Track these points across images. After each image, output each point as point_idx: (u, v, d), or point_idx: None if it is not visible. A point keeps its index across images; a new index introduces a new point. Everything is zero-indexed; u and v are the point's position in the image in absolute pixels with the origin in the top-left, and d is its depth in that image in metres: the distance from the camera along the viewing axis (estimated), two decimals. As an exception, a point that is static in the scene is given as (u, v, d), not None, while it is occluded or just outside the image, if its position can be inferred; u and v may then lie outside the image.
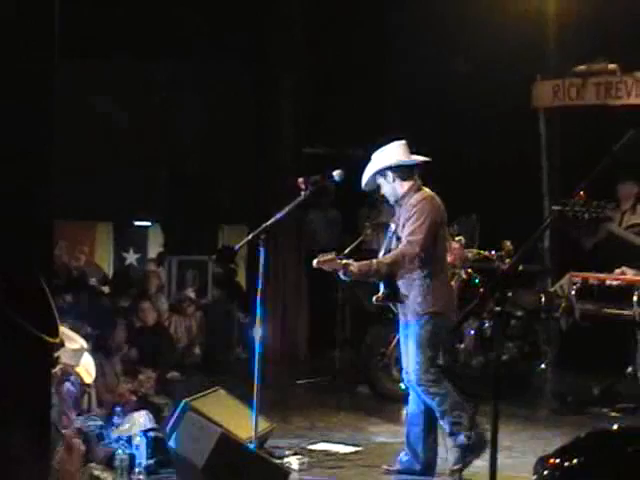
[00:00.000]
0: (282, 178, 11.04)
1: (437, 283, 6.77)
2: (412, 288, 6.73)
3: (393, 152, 6.90)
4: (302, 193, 6.72)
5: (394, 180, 6.87)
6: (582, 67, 10.54)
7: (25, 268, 4.08)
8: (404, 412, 7.04)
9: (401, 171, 6.86)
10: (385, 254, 6.82)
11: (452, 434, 6.77)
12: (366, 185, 6.99)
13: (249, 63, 12.24)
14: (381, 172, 6.87)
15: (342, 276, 6.79)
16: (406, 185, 6.87)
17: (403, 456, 6.99)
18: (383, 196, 7.05)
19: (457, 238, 9.80)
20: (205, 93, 12.70)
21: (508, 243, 9.47)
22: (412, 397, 6.95)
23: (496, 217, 9.85)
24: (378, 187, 6.98)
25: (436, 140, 11.32)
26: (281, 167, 11.61)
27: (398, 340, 9.34)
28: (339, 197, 6.93)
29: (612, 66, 10.35)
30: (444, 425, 6.79)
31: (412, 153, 6.96)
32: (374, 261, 6.72)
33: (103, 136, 12.35)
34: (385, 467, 7.02)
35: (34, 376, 4.22)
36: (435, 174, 11.05)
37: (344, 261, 6.75)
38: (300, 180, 6.76)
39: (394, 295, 6.78)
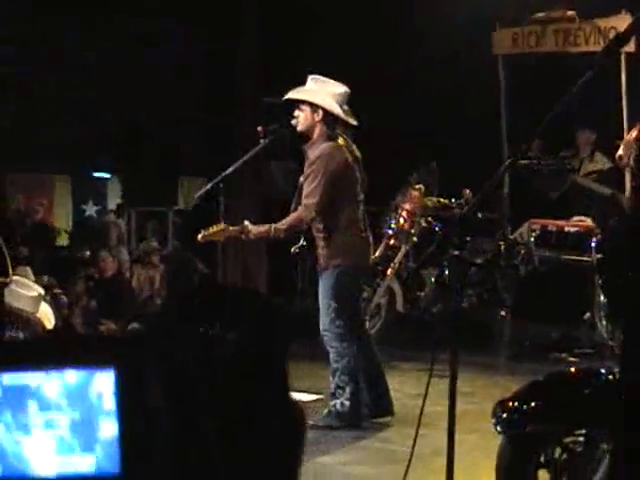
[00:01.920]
0: (241, 128, 11.00)
1: (344, 238, 6.74)
2: (320, 242, 6.75)
3: (338, 95, 6.72)
4: (261, 141, 6.69)
5: (319, 120, 6.69)
6: (540, 14, 10.52)
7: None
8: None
9: (332, 119, 6.71)
10: (294, 208, 6.76)
11: (332, 395, 6.87)
12: (287, 100, 6.76)
13: (206, 12, 12.13)
14: (315, 105, 6.70)
15: (244, 238, 6.77)
16: (322, 131, 6.71)
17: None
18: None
19: (417, 186, 9.83)
20: (162, 45, 12.58)
21: (468, 191, 9.49)
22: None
23: (456, 165, 9.87)
24: (289, 106, 6.82)
25: (398, 89, 11.34)
26: (240, 117, 11.56)
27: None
28: (298, 149, 6.92)
29: (570, 13, 10.33)
30: (331, 382, 6.86)
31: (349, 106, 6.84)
32: (272, 227, 6.65)
33: (62, 90, 12.22)
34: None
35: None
36: (395, 123, 11.15)
37: (244, 224, 6.69)
38: (259, 129, 6.73)
39: (309, 246, 6.82)
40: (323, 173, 6.60)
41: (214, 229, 6.64)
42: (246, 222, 6.74)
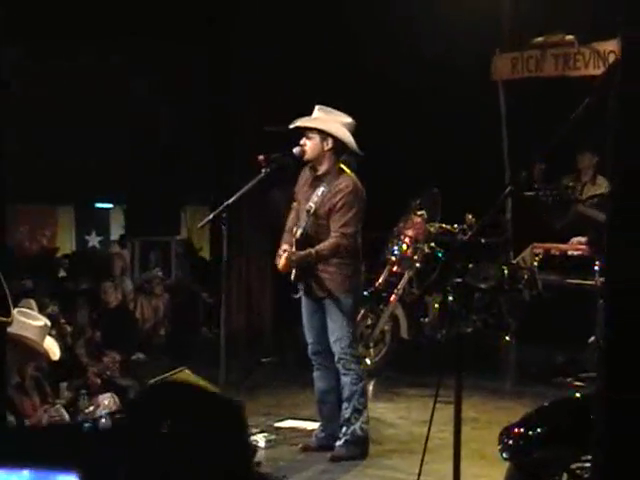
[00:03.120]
0: (243, 157, 11.02)
1: (357, 264, 6.90)
2: (331, 267, 6.76)
3: (346, 125, 6.80)
4: (263, 170, 6.71)
5: (329, 150, 6.76)
6: (540, 39, 10.57)
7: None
8: (315, 390, 7.08)
9: (341, 147, 6.78)
10: (303, 233, 6.80)
11: (347, 421, 6.83)
12: (294, 127, 6.80)
13: (207, 41, 12.18)
14: (324, 134, 6.76)
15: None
16: (333, 161, 6.79)
17: (319, 432, 7.06)
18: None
19: (419, 212, 9.84)
20: (163, 73, 12.62)
21: (470, 216, 9.50)
22: (320, 375, 7.02)
23: (459, 191, 9.87)
24: (295, 134, 6.86)
25: (403, 117, 11.35)
26: (242, 146, 11.58)
27: (362, 315, 9.44)
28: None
29: (569, 37, 10.37)
30: (344, 410, 6.83)
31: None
32: (312, 252, 6.71)
33: (63, 121, 12.25)
34: (302, 445, 7.07)
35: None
36: (398, 149, 11.16)
37: (287, 254, 6.75)
38: (261, 157, 6.75)
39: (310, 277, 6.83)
40: (359, 204, 6.77)
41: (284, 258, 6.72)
42: (286, 246, 6.81)
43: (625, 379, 1.64)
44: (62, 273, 11.70)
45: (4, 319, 3.96)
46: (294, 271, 6.81)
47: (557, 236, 10.23)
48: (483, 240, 9.69)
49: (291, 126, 6.85)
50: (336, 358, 6.82)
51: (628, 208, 1.77)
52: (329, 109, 6.84)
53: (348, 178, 6.80)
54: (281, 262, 6.74)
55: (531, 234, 10.32)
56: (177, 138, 12.38)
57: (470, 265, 3.54)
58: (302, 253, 6.72)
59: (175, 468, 2.04)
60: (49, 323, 6.53)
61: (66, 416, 6.26)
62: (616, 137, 1.76)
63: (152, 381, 6.82)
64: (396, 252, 9.75)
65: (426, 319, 10.02)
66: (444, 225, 9.82)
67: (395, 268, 9.75)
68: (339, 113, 6.85)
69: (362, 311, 9.33)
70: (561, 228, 10.09)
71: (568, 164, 10.66)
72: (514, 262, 10.34)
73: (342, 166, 6.83)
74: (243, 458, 2.10)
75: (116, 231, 13.63)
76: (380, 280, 9.72)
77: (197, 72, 12.64)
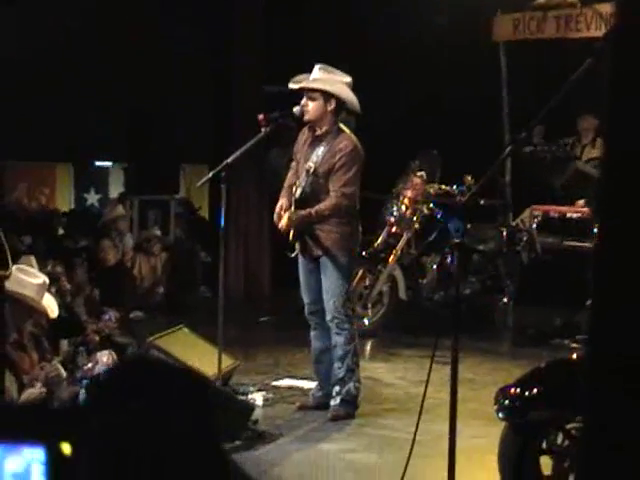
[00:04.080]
0: (242, 116, 10.99)
1: (355, 224, 6.88)
2: (328, 226, 6.75)
3: (347, 84, 6.77)
4: (262, 130, 6.69)
5: (331, 109, 6.71)
6: (541, 0, 10.50)
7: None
8: (312, 350, 7.11)
9: (340, 107, 6.74)
10: (302, 192, 6.80)
11: (341, 380, 6.85)
12: (297, 86, 6.74)
13: (210, 3, 12.13)
14: (328, 95, 6.72)
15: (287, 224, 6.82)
16: (333, 121, 6.75)
17: (316, 391, 7.09)
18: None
19: (419, 173, 9.82)
20: (164, 31, 12.56)
21: (469, 177, 9.48)
22: (316, 334, 7.03)
23: (457, 151, 9.86)
24: (295, 94, 6.81)
25: (399, 76, 11.32)
26: (241, 105, 11.55)
27: (361, 276, 9.47)
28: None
29: (572, -1, 10.32)
30: (337, 369, 6.85)
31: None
32: (312, 212, 6.69)
33: (63, 78, 12.21)
34: (298, 404, 7.11)
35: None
36: (396, 110, 11.14)
37: (288, 214, 6.74)
38: (260, 117, 6.72)
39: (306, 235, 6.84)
40: (358, 163, 6.74)
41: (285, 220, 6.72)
42: (285, 202, 6.81)
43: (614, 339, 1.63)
44: (61, 231, 11.69)
45: (2, 272, 3.96)
46: (292, 230, 6.81)
47: (556, 198, 10.23)
48: (482, 202, 9.68)
49: (294, 87, 6.81)
50: (329, 317, 6.83)
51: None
52: (330, 68, 6.79)
53: (348, 137, 6.77)
54: (283, 222, 6.73)
55: (531, 196, 10.32)
56: (176, 97, 12.33)
57: (469, 226, 3.55)
58: (302, 213, 6.72)
59: (137, 448, 2.04)
60: (48, 280, 6.54)
61: (63, 372, 6.29)
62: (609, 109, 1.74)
63: (150, 338, 6.88)
64: (395, 213, 9.74)
65: (424, 280, 10.04)
66: (443, 186, 9.81)
67: (394, 229, 9.75)
68: (339, 72, 6.80)
69: (360, 272, 9.35)
70: (560, 186, 10.09)
71: (569, 127, 10.64)
72: (513, 224, 10.35)
73: (341, 125, 6.80)
74: (207, 438, 2.10)
75: (115, 190, 13.61)
76: (379, 241, 9.72)
77: (196, 31, 12.58)
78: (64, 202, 13.43)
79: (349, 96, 6.74)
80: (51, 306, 6.42)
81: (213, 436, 2.09)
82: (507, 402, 4.19)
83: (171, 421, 2.03)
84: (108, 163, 13.83)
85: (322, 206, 6.69)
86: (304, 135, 6.96)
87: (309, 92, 6.74)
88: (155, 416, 2.02)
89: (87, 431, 2.02)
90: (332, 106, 6.72)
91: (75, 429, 2.03)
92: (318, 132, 6.80)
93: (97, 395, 2.17)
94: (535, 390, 4.14)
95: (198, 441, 2.04)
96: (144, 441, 2.00)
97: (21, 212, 11.75)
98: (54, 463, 2.05)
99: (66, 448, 2.03)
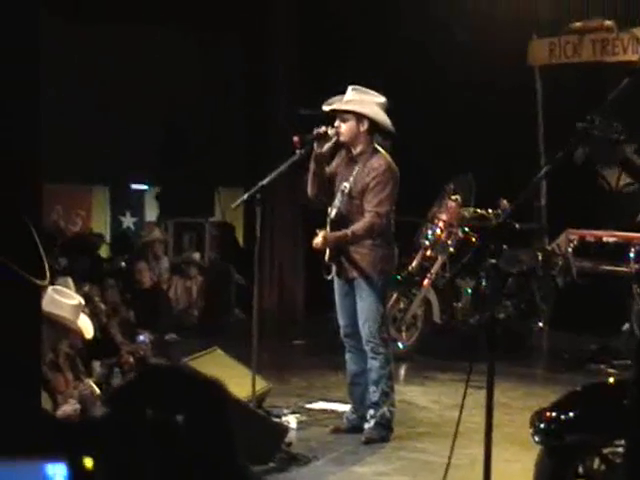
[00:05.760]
0: (277, 139, 11.02)
1: (389, 246, 6.87)
2: (363, 249, 6.74)
3: (381, 105, 6.78)
4: (297, 151, 6.70)
5: (364, 130, 6.73)
6: (578, 24, 10.49)
7: (11, 209, 4.04)
8: (347, 372, 7.09)
9: (375, 128, 6.75)
10: (338, 213, 6.79)
11: (376, 404, 6.81)
12: (329, 108, 6.77)
13: (244, 25, 12.20)
14: (360, 116, 6.73)
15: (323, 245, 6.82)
16: (368, 141, 6.77)
17: (350, 414, 7.05)
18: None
19: (453, 197, 9.80)
20: (201, 56, 12.66)
21: (505, 201, 9.45)
22: (352, 357, 7.01)
23: (493, 175, 9.83)
24: (328, 118, 6.83)
25: (436, 102, 11.32)
26: (276, 128, 11.59)
27: (395, 299, 9.44)
28: (333, 157, 6.96)
29: (608, 23, 10.29)
30: (372, 393, 6.81)
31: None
32: (348, 233, 6.70)
33: (100, 100, 12.31)
34: (332, 427, 7.08)
35: (24, 321, 4.20)
36: (436, 133, 11.13)
37: (323, 233, 6.74)
38: (295, 139, 6.73)
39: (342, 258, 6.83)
40: (393, 183, 6.74)
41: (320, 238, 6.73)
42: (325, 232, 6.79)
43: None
44: (100, 253, 11.76)
45: (40, 282, 3.99)
46: (328, 252, 6.81)
47: (593, 223, 10.16)
48: (517, 225, 9.63)
49: (326, 109, 6.84)
50: (364, 341, 6.81)
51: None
52: (363, 89, 6.81)
53: (382, 157, 6.78)
54: (317, 240, 6.72)
55: (566, 220, 10.24)
56: (212, 120, 12.40)
57: (504, 247, 3.53)
58: (338, 234, 6.72)
59: (159, 455, 2.04)
60: (83, 301, 6.58)
61: (97, 390, 6.32)
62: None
63: (184, 360, 6.89)
64: (430, 236, 9.73)
65: (459, 304, 10.00)
66: (478, 210, 9.78)
67: (429, 252, 9.73)
68: (373, 93, 6.82)
69: (395, 295, 9.33)
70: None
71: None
72: (548, 248, 10.29)
73: (377, 146, 6.81)
74: (224, 444, 2.10)
75: (150, 213, 13.68)
76: (413, 264, 9.70)
77: (232, 54, 12.66)
78: (100, 225, 13.51)
79: (381, 116, 6.75)
80: (86, 327, 6.45)
81: (232, 446, 2.08)
82: (543, 425, 4.15)
83: (190, 431, 2.02)
84: (144, 186, 13.91)
85: (357, 226, 6.69)
86: (340, 156, 6.97)
87: (342, 114, 6.76)
88: (173, 427, 2.02)
89: (106, 444, 2.02)
90: (365, 127, 6.73)
91: (95, 443, 2.03)
92: (353, 153, 6.81)
93: (115, 407, 2.17)
94: (571, 414, 4.10)
95: (217, 451, 2.03)
96: (163, 453, 2.00)
97: (58, 234, 11.82)
98: (76, 478, 2.05)
99: (88, 462, 2.03)
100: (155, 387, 2.12)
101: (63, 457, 2.07)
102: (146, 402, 2.07)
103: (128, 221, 13.85)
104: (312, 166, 6.82)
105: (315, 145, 6.71)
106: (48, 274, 3.98)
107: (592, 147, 3.98)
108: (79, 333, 6.39)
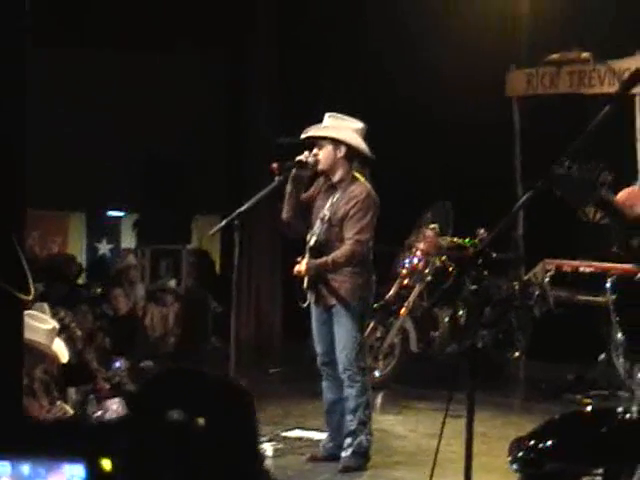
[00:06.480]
0: (256, 167, 11.02)
1: (368, 274, 6.87)
2: (340, 277, 6.74)
3: (358, 131, 6.81)
4: (276, 178, 6.70)
5: (342, 157, 6.75)
6: (555, 56, 10.56)
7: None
8: (323, 400, 7.07)
9: (353, 154, 6.77)
10: (317, 240, 6.79)
11: (353, 433, 6.79)
12: (307, 137, 6.82)
13: (223, 54, 12.22)
14: (336, 142, 6.75)
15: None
16: (347, 168, 6.78)
17: (327, 442, 7.02)
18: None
19: (431, 226, 9.83)
20: (180, 84, 12.66)
21: (482, 230, 9.47)
22: (329, 385, 7.00)
23: (470, 205, 9.86)
24: (306, 146, 6.83)
25: (411, 129, 11.35)
26: (255, 156, 11.59)
27: (372, 328, 9.42)
28: (311, 184, 6.98)
29: (585, 54, 10.37)
30: (349, 421, 6.80)
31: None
32: (329, 260, 6.69)
33: (78, 126, 12.29)
34: (309, 455, 7.05)
35: (5, 337, 4.21)
36: (409, 162, 11.15)
37: (306, 261, 6.73)
38: (274, 165, 6.74)
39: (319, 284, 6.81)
40: (373, 211, 6.77)
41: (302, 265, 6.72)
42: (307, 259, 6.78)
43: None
44: (76, 280, 11.70)
45: (25, 297, 4.01)
46: (306, 279, 6.80)
47: (570, 253, 10.18)
48: (494, 255, 9.66)
49: (303, 136, 6.85)
50: (341, 369, 6.79)
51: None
52: (340, 115, 6.84)
53: (362, 185, 6.78)
54: (300, 268, 6.71)
55: (543, 250, 10.27)
56: (190, 148, 12.39)
57: (485, 274, 3.53)
58: (319, 261, 6.71)
59: (178, 458, 2.02)
60: (58, 326, 6.54)
61: (70, 410, 6.27)
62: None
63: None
64: (407, 265, 9.74)
65: (436, 333, 10.00)
66: (455, 239, 9.80)
67: (406, 281, 9.74)
68: (350, 119, 6.85)
69: (372, 324, 9.31)
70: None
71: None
72: (525, 278, 10.31)
73: (356, 174, 6.81)
74: (252, 449, 2.09)
75: (126, 239, 13.62)
76: (390, 293, 9.70)
77: (211, 83, 12.67)
78: (76, 251, 13.43)
79: (357, 141, 6.76)
80: (61, 351, 6.40)
81: (255, 446, 2.06)
82: (521, 454, 4.13)
83: (210, 434, 2.01)
84: (120, 213, 13.86)
85: (338, 254, 6.68)
86: (319, 183, 6.98)
87: (318, 140, 6.77)
88: (193, 430, 2.00)
89: (124, 446, 2.00)
90: (342, 153, 6.74)
91: (114, 445, 2.02)
92: (332, 180, 6.81)
93: (136, 407, 2.15)
94: (550, 442, 4.09)
95: (236, 457, 2.02)
96: (180, 455, 1.98)
97: (34, 260, 11.75)
98: (94, 479, 2.04)
99: (106, 464, 2.01)
100: (176, 389, 2.10)
101: (81, 458, 2.06)
102: (166, 404, 2.05)
103: (104, 248, 13.79)
104: (289, 187, 6.82)
105: (294, 172, 6.73)
106: (32, 290, 4.00)
107: (568, 191, 3.99)
108: (54, 358, 6.34)
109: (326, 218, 6.78)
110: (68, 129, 12.10)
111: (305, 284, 6.82)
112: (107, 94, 12.21)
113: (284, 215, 6.97)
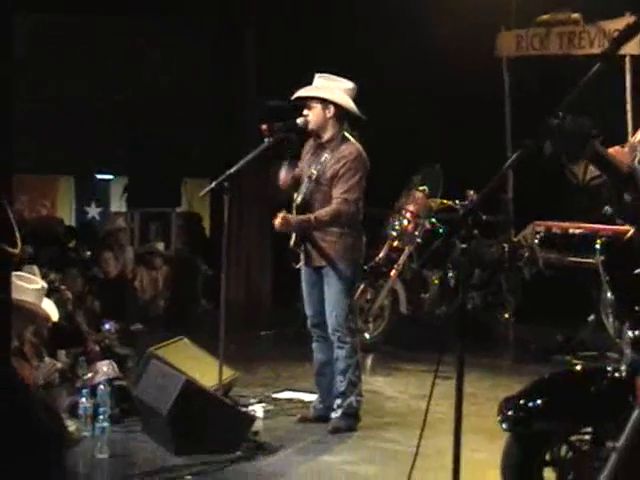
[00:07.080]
0: (245, 129, 10.98)
1: (358, 234, 6.83)
2: (331, 237, 6.71)
3: (347, 91, 6.78)
4: (266, 140, 6.67)
5: (332, 116, 6.73)
6: (545, 16, 10.53)
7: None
8: (314, 362, 7.08)
9: (343, 114, 6.74)
10: (304, 199, 6.78)
11: (343, 394, 6.80)
12: (298, 98, 6.79)
13: (211, 17, 12.14)
14: (325, 102, 6.73)
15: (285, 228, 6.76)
16: (337, 128, 6.76)
17: (317, 404, 7.05)
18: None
19: (421, 188, 9.81)
20: (167, 46, 12.60)
21: (472, 192, 9.46)
22: (319, 346, 6.99)
23: (460, 167, 9.84)
24: (297, 107, 6.82)
25: (401, 90, 11.32)
26: (244, 119, 11.54)
27: (362, 290, 9.43)
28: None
29: (575, 16, 10.34)
30: (339, 383, 6.81)
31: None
32: (312, 217, 6.65)
33: (66, 90, 12.24)
34: (299, 416, 7.07)
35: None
36: (399, 125, 11.12)
37: (283, 214, 6.70)
38: (263, 127, 6.69)
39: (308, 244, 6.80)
40: (363, 170, 6.72)
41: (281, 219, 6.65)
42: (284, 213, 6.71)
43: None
44: (67, 243, 11.69)
45: (12, 250, 4.00)
46: (293, 237, 6.79)
47: (559, 216, 10.19)
48: (484, 217, 9.66)
49: (292, 97, 6.83)
50: (331, 330, 6.78)
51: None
52: (329, 76, 6.80)
53: (352, 145, 6.76)
54: (276, 221, 6.64)
55: (533, 212, 10.28)
56: (178, 110, 12.34)
57: (475, 232, 3.53)
58: (302, 217, 6.66)
59: None
60: (46, 285, 6.53)
61: (58, 364, 6.29)
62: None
63: (151, 348, 6.85)
64: (397, 227, 9.73)
65: (426, 295, 10.02)
66: (445, 201, 9.80)
67: (396, 243, 9.74)
68: (340, 79, 6.80)
69: (362, 286, 9.31)
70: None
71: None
72: (515, 240, 10.32)
73: (346, 134, 6.79)
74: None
75: (116, 203, 13.61)
76: (380, 255, 9.70)
77: (196, 43, 12.61)
78: (65, 215, 13.42)
79: (345, 101, 6.73)
80: (51, 310, 6.40)
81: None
82: (511, 413, 4.16)
83: None
84: (109, 176, 13.83)
85: (322, 212, 6.65)
86: (309, 144, 6.96)
87: (308, 101, 6.75)
88: None
89: None
90: (331, 113, 6.71)
91: None
92: (322, 140, 6.79)
93: None
94: (539, 401, 4.11)
95: None
96: None
97: (22, 224, 11.72)
98: None
99: None
100: None
101: None
102: None
103: (93, 211, 13.78)
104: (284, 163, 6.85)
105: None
106: (19, 243, 3.99)
107: (563, 143, 3.97)
108: (44, 316, 6.33)
109: (314, 177, 6.75)
110: (57, 94, 12.05)
111: (292, 242, 6.81)
112: (96, 59, 12.15)
113: (282, 182, 6.97)
